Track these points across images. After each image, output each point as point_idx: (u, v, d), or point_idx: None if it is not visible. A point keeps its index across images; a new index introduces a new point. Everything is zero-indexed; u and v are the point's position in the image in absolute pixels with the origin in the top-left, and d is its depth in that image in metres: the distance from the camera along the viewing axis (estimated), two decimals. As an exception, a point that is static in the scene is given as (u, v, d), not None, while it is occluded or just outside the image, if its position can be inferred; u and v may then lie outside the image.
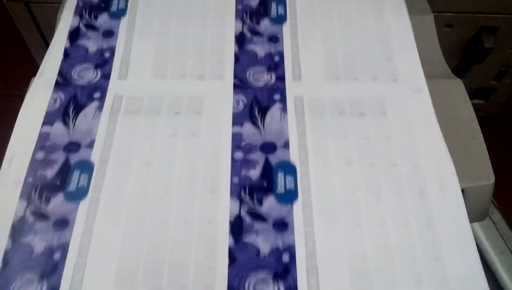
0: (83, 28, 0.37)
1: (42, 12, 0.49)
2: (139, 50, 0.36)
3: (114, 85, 0.34)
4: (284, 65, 0.35)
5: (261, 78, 0.34)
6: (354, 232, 0.27)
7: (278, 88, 0.34)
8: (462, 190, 0.29)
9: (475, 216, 0.32)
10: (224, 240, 0.27)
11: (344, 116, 0.32)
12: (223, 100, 0.33)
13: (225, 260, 0.27)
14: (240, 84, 0.34)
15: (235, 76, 0.34)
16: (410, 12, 0.41)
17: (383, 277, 0.26)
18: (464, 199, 0.29)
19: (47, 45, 0.52)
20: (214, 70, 0.35)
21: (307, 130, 0.32)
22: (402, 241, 0.27)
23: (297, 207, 0.28)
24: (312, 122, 0.32)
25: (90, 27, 0.37)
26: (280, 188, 0.29)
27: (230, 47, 0.36)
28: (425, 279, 0.26)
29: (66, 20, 0.37)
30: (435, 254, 0.27)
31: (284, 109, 0.33)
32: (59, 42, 0.36)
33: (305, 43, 0.36)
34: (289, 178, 0.29)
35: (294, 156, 0.30)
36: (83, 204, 0.28)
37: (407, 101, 0.33)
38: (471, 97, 0.35)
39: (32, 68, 0.36)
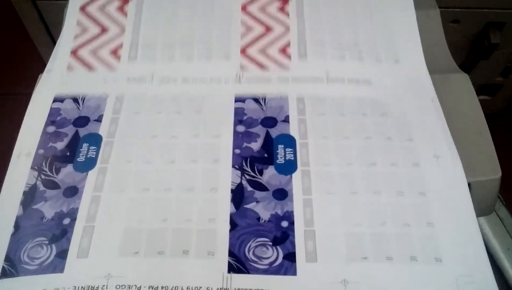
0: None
1: (49, 10, 0.50)
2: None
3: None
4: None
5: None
6: (350, 199, 0.29)
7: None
8: (469, 184, 0.30)
9: (481, 210, 0.32)
10: (225, 206, 0.28)
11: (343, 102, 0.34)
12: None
13: (226, 226, 0.28)
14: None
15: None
16: (416, 7, 0.41)
17: (376, 241, 0.27)
18: (470, 193, 0.29)
19: (54, 42, 0.53)
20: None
21: (306, 106, 0.33)
22: (395, 209, 0.28)
23: (296, 177, 0.29)
24: (312, 100, 0.33)
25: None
26: (280, 159, 0.30)
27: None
28: (421, 257, 0.27)
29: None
30: (429, 227, 0.28)
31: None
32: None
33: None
34: (288, 150, 0.31)
35: (293, 129, 0.32)
36: (92, 174, 0.30)
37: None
38: (478, 93, 0.35)
39: (39, 66, 0.37)
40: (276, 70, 0.35)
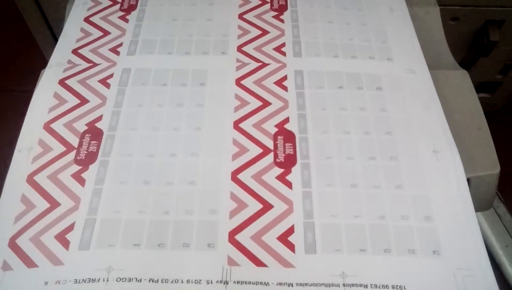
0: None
1: (50, 6, 0.50)
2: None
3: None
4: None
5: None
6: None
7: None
8: (468, 179, 0.30)
9: (480, 205, 0.32)
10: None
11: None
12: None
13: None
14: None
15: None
16: (416, 4, 0.41)
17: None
18: (469, 188, 0.29)
19: (55, 38, 0.53)
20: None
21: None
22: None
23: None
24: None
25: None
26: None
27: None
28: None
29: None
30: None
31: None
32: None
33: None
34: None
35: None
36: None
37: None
38: (477, 91, 0.35)
39: (40, 62, 0.37)
40: (277, 269, 0.26)
